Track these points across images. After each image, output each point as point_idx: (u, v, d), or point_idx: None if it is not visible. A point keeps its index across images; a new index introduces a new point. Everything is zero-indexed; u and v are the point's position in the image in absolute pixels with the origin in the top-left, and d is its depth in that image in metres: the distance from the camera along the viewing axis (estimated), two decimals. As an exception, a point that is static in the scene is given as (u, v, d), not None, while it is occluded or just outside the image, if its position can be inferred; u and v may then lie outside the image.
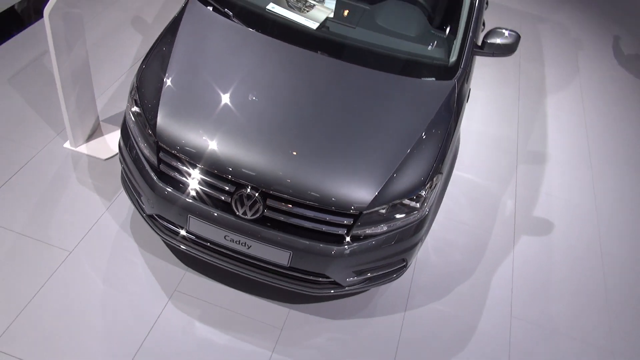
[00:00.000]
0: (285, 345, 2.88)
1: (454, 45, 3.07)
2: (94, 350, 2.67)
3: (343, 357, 2.89)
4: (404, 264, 2.90)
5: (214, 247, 2.73)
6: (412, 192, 2.61)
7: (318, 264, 2.62)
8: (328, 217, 2.54)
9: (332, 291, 2.81)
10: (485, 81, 5.26)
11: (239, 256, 2.72)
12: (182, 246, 2.81)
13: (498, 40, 3.19)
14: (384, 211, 2.60)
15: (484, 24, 3.92)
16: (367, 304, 3.16)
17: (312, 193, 2.49)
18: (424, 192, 2.65)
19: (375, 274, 2.84)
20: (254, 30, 2.95)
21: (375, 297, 3.21)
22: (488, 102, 5.00)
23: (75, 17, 3.18)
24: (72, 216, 3.24)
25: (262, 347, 2.85)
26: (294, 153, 2.55)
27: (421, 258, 3.48)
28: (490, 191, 4.08)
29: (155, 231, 2.88)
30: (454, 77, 2.96)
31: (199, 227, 2.65)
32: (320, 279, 2.75)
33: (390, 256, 2.75)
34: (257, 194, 2.51)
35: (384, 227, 2.62)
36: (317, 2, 3.14)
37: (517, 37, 3.24)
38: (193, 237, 2.75)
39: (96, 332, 2.74)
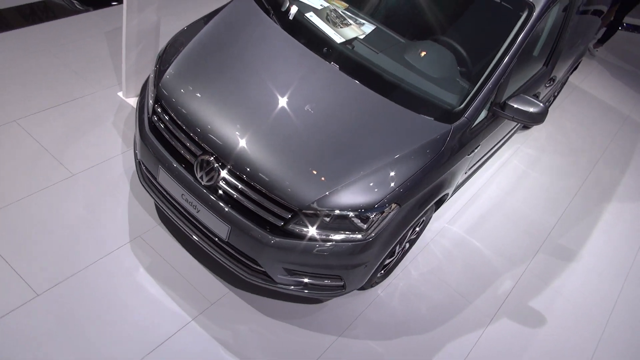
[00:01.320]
0: (208, 318, 2.96)
1: (467, 94, 3.04)
2: (41, 249, 2.96)
3: (254, 350, 2.90)
4: (342, 283, 2.87)
5: (172, 202, 2.93)
6: (359, 209, 2.61)
7: (251, 247, 2.70)
8: (271, 205, 2.63)
9: (263, 282, 2.86)
10: (549, 167, 4.99)
11: (189, 217, 2.89)
12: (151, 194, 3.05)
13: (519, 105, 3.10)
14: (327, 219, 2.63)
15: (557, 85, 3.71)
16: (306, 315, 3.14)
17: (263, 177, 2.60)
18: (372, 215, 2.64)
19: (310, 282, 2.85)
20: (283, 30, 3.16)
21: (318, 312, 3.18)
22: (541, 187, 4.74)
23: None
24: (91, 148, 3.63)
25: (186, 311, 2.96)
26: (268, 142, 2.68)
27: (384, 297, 3.38)
28: (492, 265, 3.86)
29: (138, 176, 3.15)
30: (453, 122, 2.92)
31: (165, 180, 2.87)
32: (252, 265, 2.81)
33: (324, 267, 2.74)
34: (216, 164, 2.67)
35: (321, 234, 2.63)
36: (354, 22, 3.29)
37: (543, 109, 3.11)
38: (160, 188, 2.98)
39: (49, 241, 3.04)
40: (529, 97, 3.13)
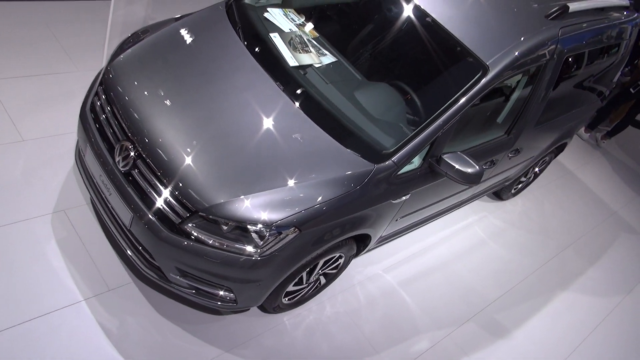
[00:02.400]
0: (100, 302, 2.97)
1: (402, 140, 3.03)
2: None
3: (134, 346, 2.88)
4: (233, 296, 2.84)
5: (91, 180, 3.00)
6: (257, 224, 2.61)
7: (147, 239, 2.72)
8: (173, 202, 2.66)
9: (157, 278, 2.87)
10: (512, 242, 4.88)
11: (103, 198, 2.94)
12: (80, 171, 3.12)
13: (453, 162, 3.07)
14: (225, 227, 2.63)
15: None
16: (201, 323, 3.12)
17: (172, 173, 2.64)
18: (267, 232, 2.63)
19: (201, 288, 2.84)
20: (242, 43, 3.25)
21: (213, 324, 3.15)
22: (495, 259, 4.63)
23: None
24: (50, 121, 3.76)
25: (80, 290, 2.98)
26: (187, 141, 2.73)
27: (288, 325, 3.33)
28: (415, 322, 3.76)
29: (74, 153, 3.25)
30: (378, 163, 2.91)
31: (90, 159, 2.95)
32: (148, 258, 2.83)
33: (214, 275, 2.73)
34: (133, 152, 2.73)
35: (216, 241, 2.64)
36: (315, 51, 3.36)
37: (477, 172, 3.07)
38: (85, 166, 3.05)
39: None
40: (466, 157, 3.10)
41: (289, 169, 2.77)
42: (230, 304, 2.90)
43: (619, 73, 4.95)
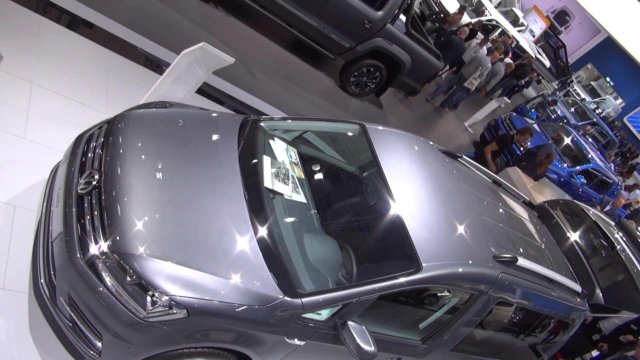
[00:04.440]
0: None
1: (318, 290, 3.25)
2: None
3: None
4: (99, 348, 2.88)
5: (50, 189, 3.30)
6: (155, 288, 2.77)
7: (60, 257, 2.91)
8: (100, 235, 2.89)
9: (47, 296, 2.99)
10: None
11: (49, 206, 3.21)
12: (48, 178, 3.46)
13: (355, 333, 3.20)
14: (129, 278, 2.79)
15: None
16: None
17: (116, 214, 2.92)
18: (159, 299, 2.77)
19: (78, 324, 2.91)
20: (237, 150, 3.68)
21: None
22: None
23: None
24: (59, 132, 4.18)
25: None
26: (146, 198, 3.07)
27: None
28: None
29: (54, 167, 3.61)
30: (287, 296, 3.07)
31: (60, 171, 3.32)
32: (51, 274, 2.99)
33: (94, 316, 2.82)
34: (96, 182, 3.05)
35: (113, 285, 2.79)
36: (293, 187, 3.76)
37: (371, 352, 3.16)
38: (54, 176, 3.38)
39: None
40: (368, 334, 3.25)
41: (215, 261, 2.99)
42: (93, 354, 2.93)
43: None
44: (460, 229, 3.84)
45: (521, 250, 4.29)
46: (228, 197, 3.34)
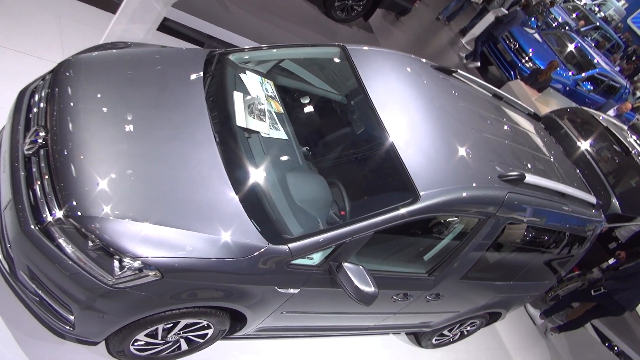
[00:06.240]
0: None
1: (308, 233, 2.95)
2: None
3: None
4: (71, 318, 2.64)
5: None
6: (123, 254, 2.48)
7: (12, 227, 2.61)
8: (53, 200, 2.56)
9: (7, 271, 2.72)
10: None
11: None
12: None
13: (352, 274, 2.93)
14: (91, 243, 2.50)
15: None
16: (36, 339, 2.91)
17: (68, 173, 2.58)
18: (129, 264, 2.49)
19: (44, 298, 2.65)
20: (203, 88, 3.28)
21: (50, 345, 2.92)
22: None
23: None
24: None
25: None
26: (99, 150, 2.72)
27: None
28: None
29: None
30: (272, 243, 2.79)
31: (4, 133, 2.95)
32: (7, 247, 2.69)
33: (61, 289, 2.56)
34: (42, 140, 2.69)
35: (74, 253, 2.50)
36: (270, 122, 3.39)
37: (372, 293, 2.93)
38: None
39: None
40: (367, 274, 2.98)
41: (189, 215, 2.68)
42: (68, 328, 2.70)
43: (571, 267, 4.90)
44: (461, 151, 3.46)
45: (529, 166, 3.93)
46: (196, 143, 2.98)
